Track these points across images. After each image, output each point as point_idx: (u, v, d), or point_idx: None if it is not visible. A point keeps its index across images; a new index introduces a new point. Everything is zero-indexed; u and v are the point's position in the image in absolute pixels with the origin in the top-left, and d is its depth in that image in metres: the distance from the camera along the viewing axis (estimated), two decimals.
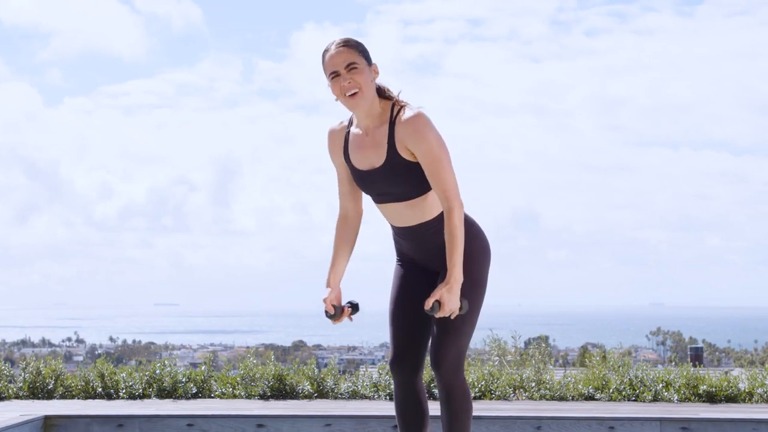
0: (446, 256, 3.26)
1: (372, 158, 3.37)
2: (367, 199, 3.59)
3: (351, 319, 3.54)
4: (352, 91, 3.28)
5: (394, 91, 3.41)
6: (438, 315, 3.23)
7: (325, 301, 3.45)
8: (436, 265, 3.47)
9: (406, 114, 3.30)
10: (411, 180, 3.33)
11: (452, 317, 3.29)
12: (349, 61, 3.27)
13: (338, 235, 3.56)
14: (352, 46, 3.31)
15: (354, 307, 3.53)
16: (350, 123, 3.49)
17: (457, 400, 3.39)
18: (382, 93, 3.40)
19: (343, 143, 3.47)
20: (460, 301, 3.28)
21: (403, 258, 3.58)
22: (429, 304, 3.22)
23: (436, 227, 3.40)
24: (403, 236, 3.49)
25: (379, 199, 3.45)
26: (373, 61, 3.37)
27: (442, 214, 3.38)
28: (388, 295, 3.59)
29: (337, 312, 3.48)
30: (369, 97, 3.31)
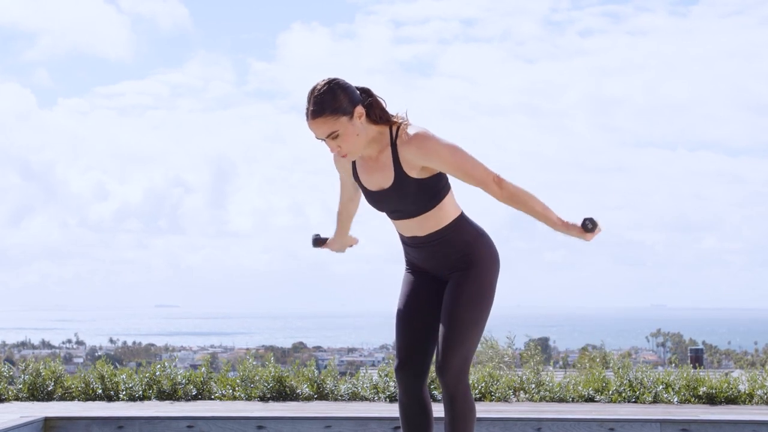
0: (542, 220, 3.34)
1: (380, 180, 3.37)
2: (363, 202, 3.61)
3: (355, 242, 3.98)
4: (342, 154, 3.28)
5: (395, 95, 3.39)
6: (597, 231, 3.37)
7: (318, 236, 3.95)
8: (445, 274, 3.48)
9: (409, 135, 3.28)
10: (420, 197, 3.34)
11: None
12: (328, 132, 3.20)
13: (340, 214, 3.81)
14: (324, 113, 3.17)
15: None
16: None
17: (460, 405, 3.39)
18: (375, 118, 3.32)
19: (351, 165, 3.48)
20: (586, 223, 3.36)
21: (412, 267, 3.59)
22: (592, 232, 3.35)
23: (444, 236, 3.41)
24: (412, 245, 3.49)
25: (392, 216, 3.47)
26: (356, 100, 3.23)
27: (451, 223, 3.40)
28: (396, 301, 3.60)
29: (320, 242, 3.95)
30: (359, 149, 3.29)
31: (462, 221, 3.44)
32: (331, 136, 3.21)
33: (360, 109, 3.24)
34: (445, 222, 3.40)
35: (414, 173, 3.30)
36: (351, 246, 3.98)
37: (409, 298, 3.54)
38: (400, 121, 3.34)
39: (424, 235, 3.42)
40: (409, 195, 3.33)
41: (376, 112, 3.30)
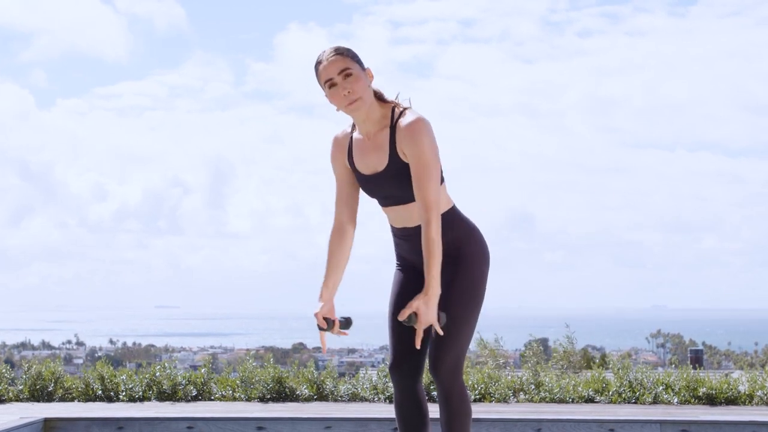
0: (423, 268, 3.24)
1: (375, 162, 3.39)
2: (367, 198, 3.60)
3: (346, 334, 3.50)
4: (352, 99, 3.30)
5: (392, 95, 3.42)
6: (416, 327, 3.20)
7: (316, 315, 3.42)
8: None
9: (407, 118, 3.32)
10: (411, 183, 3.34)
11: (435, 330, 3.28)
12: (343, 68, 3.29)
13: (331, 248, 3.52)
14: (343, 53, 3.33)
15: (346, 322, 3.49)
16: (353, 129, 3.52)
17: (455, 404, 3.39)
18: (381, 98, 3.40)
19: (347, 149, 3.50)
20: (438, 314, 3.23)
21: (403, 263, 3.59)
22: (405, 315, 3.18)
23: None
24: (403, 238, 3.49)
25: (384, 202, 3.48)
26: (366, 66, 3.38)
27: (441, 216, 3.38)
28: (388, 300, 3.60)
29: (329, 325, 3.44)
30: (368, 101, 3.33)
31: (453, 215, 3.44)
32: (345, 73, 3.29)
33: (371, 72, 3.38)
34: None
35: (407, 158, 3.32)
36: (331, 330, 3.47)
37: (400, 296, 3.54)
38: (402, 106, 3.39)
39: (414, 227, 3.42)
40: (401, 180, 3.34)
41: (380, 92, 3.42)
